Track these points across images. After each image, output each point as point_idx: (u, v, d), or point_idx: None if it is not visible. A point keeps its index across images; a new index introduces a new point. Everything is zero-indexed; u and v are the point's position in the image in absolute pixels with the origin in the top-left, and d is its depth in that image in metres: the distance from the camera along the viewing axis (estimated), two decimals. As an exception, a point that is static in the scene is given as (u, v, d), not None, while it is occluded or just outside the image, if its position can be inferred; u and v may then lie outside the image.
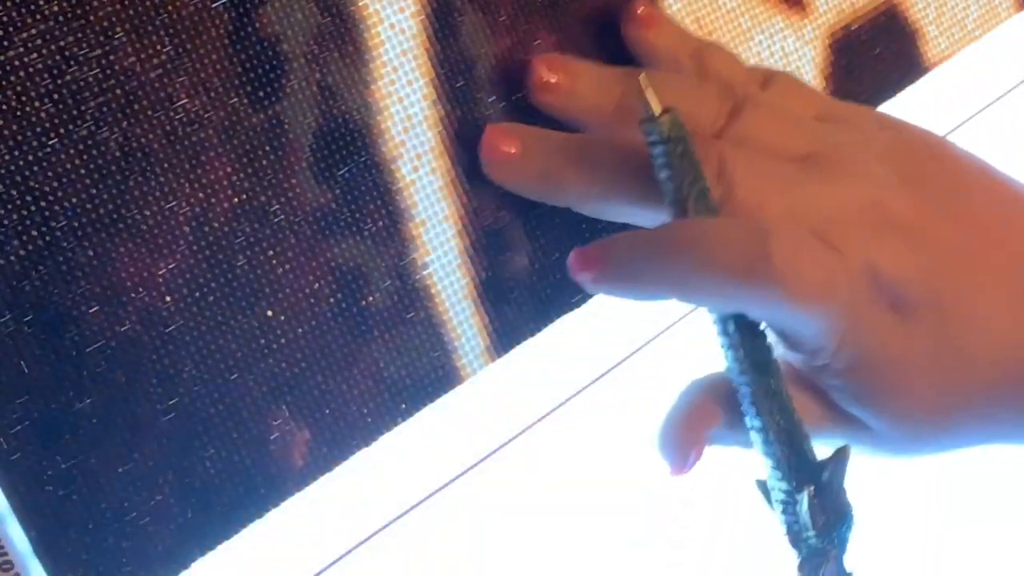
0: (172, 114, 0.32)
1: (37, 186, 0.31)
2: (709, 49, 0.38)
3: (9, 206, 0.30)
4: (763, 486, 0.34)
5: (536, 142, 0.35)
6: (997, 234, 0.35)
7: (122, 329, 0.32)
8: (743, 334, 0.32)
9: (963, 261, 0.34)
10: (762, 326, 0.33)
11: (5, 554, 0.30)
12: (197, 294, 0.33)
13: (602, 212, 0.36)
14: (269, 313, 0.34)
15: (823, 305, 0.31)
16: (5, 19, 0.30)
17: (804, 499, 0.32)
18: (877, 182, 0.33)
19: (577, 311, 0.40)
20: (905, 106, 0.46)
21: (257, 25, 0.34)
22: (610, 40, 0.39)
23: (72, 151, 0.31)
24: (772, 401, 0.32)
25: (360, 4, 0.35)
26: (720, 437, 0.34)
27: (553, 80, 0.36)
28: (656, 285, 0.33)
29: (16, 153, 0.30)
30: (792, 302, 0.31)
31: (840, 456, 0.33)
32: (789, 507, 0.33)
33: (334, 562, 0.37)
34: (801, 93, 0.37)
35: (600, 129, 0.36)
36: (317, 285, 0.35)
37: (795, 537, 0.33)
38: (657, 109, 0.32)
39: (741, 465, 0.47)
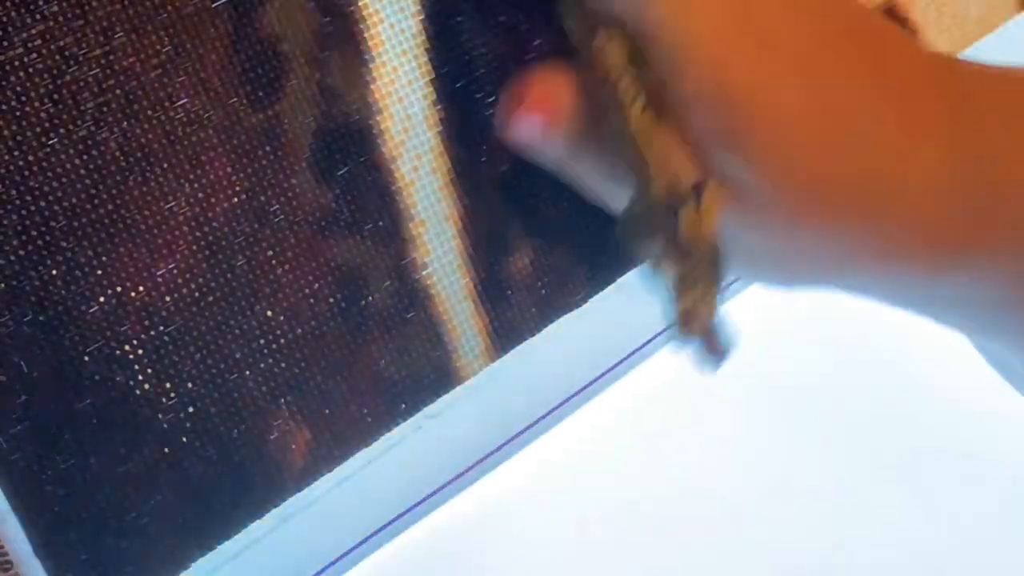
0: (172, 114, 0.32)
1: (37, 186, 0.31)
2: None
3: (9, 206, 0.30)
4: (630, 217, 0.31)
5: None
6: (870, 44, 0.33)
7: (122, 329, 0.32)
8: (606, 25, 0.30)
9: (836, 52, 0.32)
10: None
11: (5, 554, 0.30)
12: (197, 294, 0.33)
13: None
14: (269, 313, 0.34)
15: (694, 11, 0.30)
16: (5, 19, 0.30)
17: (689, 209, 0.29)
18: None
19: (577, 311, 0.40)
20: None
21: (257, 25, 0.34)
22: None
23: (72, 151, 0.31)
24: (632, 93, 0.29)
25: (360, 4, 0.35)
26: (581, 144, 0.32)
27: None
28: None
29: (16, 153, 0.30)
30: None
31: (711, 183, 0.30)
32: (658, 226, 0.30)
33: (334, 562, 0.37)
34: None
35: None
36: (317, 285, 0.35)
37: (676, 249, 0.29)
38: None
39: (740, 465, 0.47)
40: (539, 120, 0.31)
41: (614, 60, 0.30)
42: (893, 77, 0.33)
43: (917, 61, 0.34)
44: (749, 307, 0.48)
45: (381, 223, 0.36)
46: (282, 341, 0.34)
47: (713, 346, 0.30)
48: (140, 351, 0.32)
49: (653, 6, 0.30)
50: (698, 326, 0.30)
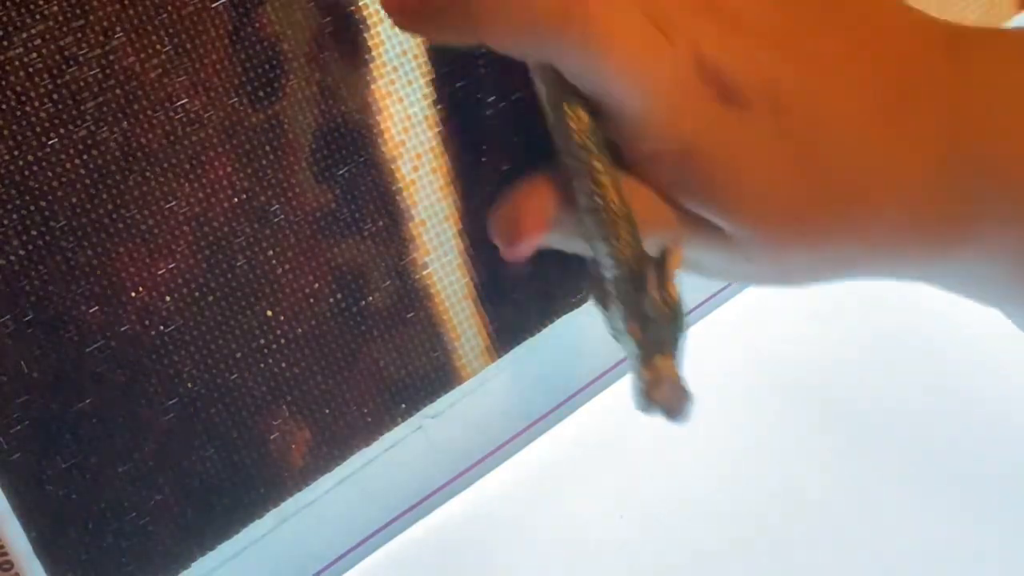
0: (172, 114, 0.32)
1: (37, 186, 0.31)
2: None
3: (9, 206, 0.30)
4: (595, 283, 0.32)
5: None
6: (862, 42, 0.32)
7: (122, 329, 0.32)
8: (566, 96, 0.30)
9: (812, 60, 0.31)
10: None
11: (5, 554, 0.30)
12: (197, 294, 0.33)
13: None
14: (269, 313, 0.34)
15: (644, 70, 0.29)
16: (5, 19, 0.30)
17: (652, 278, 0.30)
18: None
19: (577, 311, 0.40)
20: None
21: (257, 25, 0.34)
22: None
23: (72, 151, 0.31)
24: (603, 176, 0.30)
25: (360, 4, 0.35)
26: (559, 225, 0.32)
27: None
28: (463, 22, 0.31)
29: (16, 153, 0.30)
30: (609, 58, 0.29)
31: (672, 248, 0.30)
32: (624, 295, 0.30)
33: (334, 562, 0.37)
34: None
35: None
36: (317, 285, 0.35)
37: (637, 324, 0.30)
38: None
39: (741, 465, 0.47)
40: (536, 238, 0.32)
41: (579, 139, 0.30)
42: (882, 62, 0.31)
43: (912, 36, 0.32)
44: (750, 306, 0.48)
45: (381, 223, 0.36)
46: (282, 341, 0.34)
47: (677, 407, 0.31)
48: (140, 351, 0.32)
49: (606, 58, 0.29)
50: (662, 393, 0.31)
